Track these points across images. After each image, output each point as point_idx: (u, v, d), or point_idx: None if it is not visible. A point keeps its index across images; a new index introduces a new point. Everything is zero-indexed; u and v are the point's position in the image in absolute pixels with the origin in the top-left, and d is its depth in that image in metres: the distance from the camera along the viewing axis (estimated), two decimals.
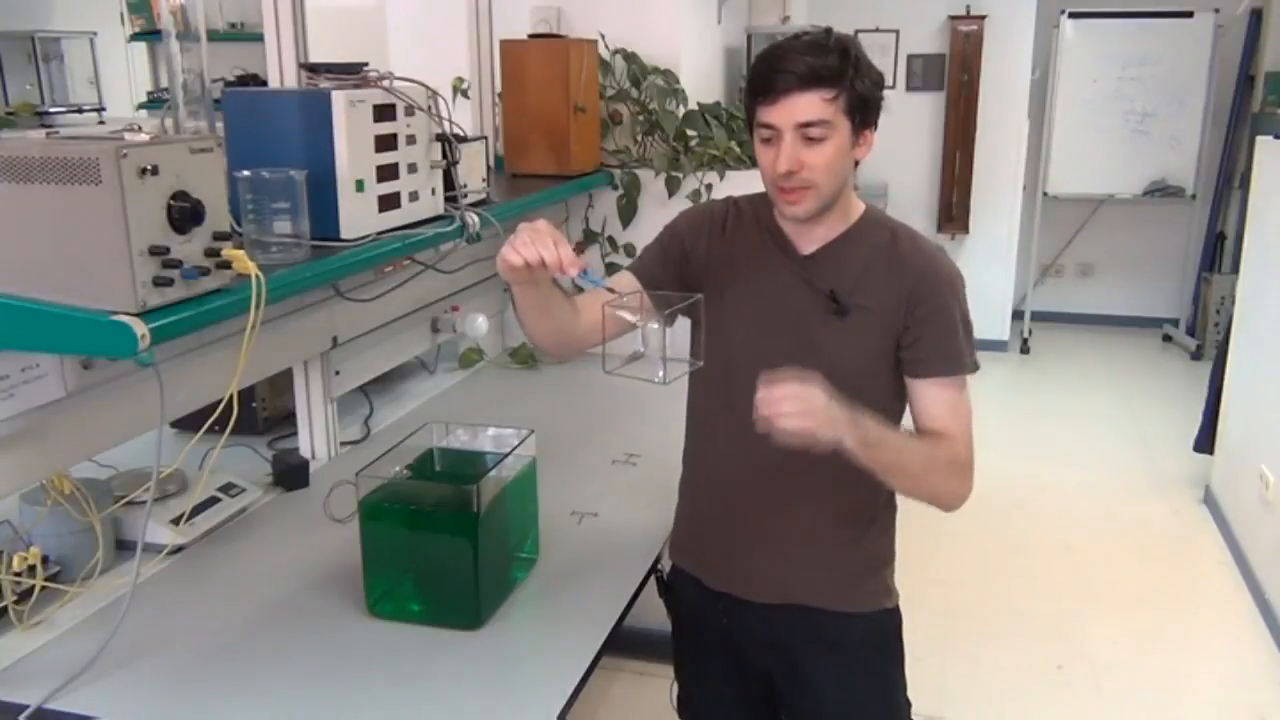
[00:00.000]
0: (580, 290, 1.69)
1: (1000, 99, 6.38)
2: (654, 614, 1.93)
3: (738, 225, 1.72)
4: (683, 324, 1.68)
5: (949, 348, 1.60)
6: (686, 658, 1.93)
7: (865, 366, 1.62)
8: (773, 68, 1.50)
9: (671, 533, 1.91)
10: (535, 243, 1.44)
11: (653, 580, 1.93)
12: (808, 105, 1.48)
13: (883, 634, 1.78)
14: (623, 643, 1.79)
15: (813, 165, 1.51)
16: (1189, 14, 6.62)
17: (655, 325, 1.56)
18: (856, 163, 1.60)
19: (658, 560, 1.95)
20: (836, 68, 1.48)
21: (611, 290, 1.59)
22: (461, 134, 2.28)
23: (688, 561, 1.86)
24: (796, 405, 1.41)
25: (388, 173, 2.00)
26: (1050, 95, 6.76)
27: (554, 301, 1.62)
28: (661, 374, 1.50)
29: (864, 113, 1.52)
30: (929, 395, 1.61)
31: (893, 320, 1.60)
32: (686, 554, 1.87)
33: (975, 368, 1.62)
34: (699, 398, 1.79)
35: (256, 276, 1.53)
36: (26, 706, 1.47)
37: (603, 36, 3.26)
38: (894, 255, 1.61)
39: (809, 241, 1.64)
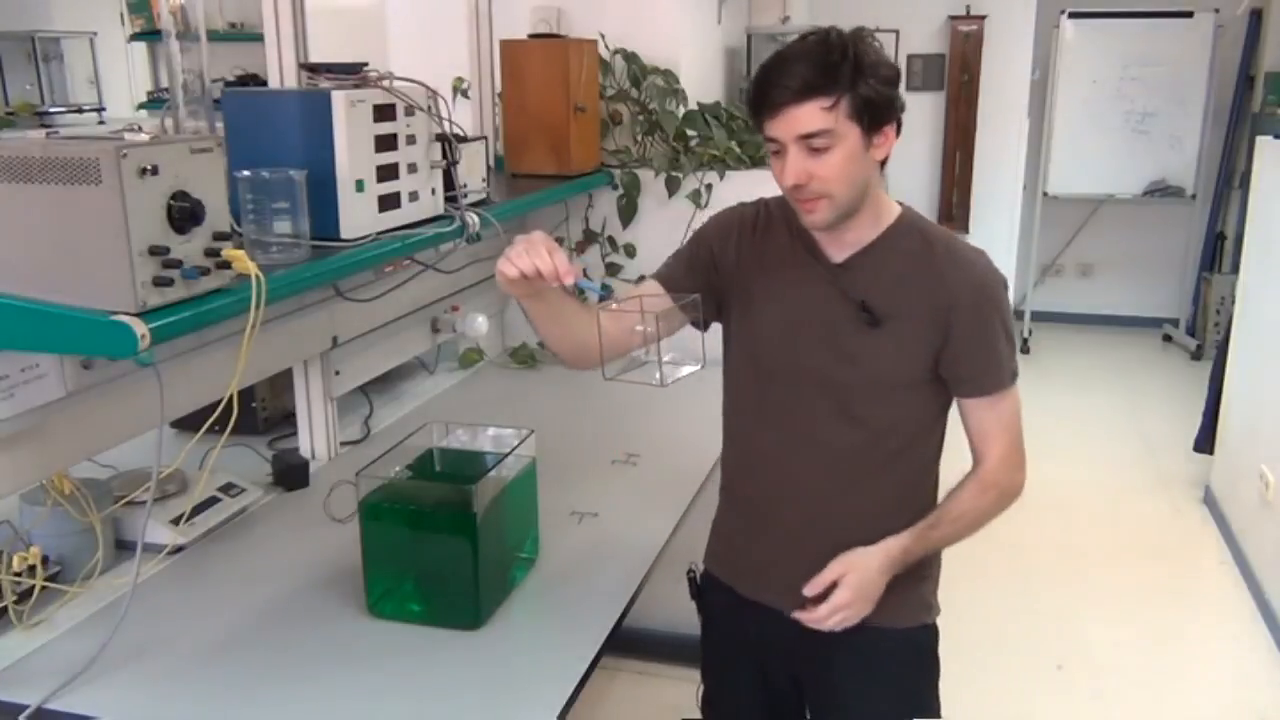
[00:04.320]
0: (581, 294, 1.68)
1: (1000, 99, 6.37)
2: (655, 614, 1.93)
3: (768, 229, 1.67)
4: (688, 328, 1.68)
5: (990, 363, 1.59)
6: (714, 661, 1.91)
7: (902, 378, 1.60)
8: (767, 81, 1.46)
9: (708, 539, 1.89)
10: (530, 253, 1.44)
11: (652, 580, 1.92)
12: (806, 117, 1.44)
13: (918, 650, 1.75)
14: (623, 643, 1.79)
15: (822, 176, 1.47)
16: (1189, 14, 6.63)
17: (690, 323, 1.62)
18: (884, 163, 1.54)
19: (655, 565, 1.95)
20: (832, 75, 1.43)
21: (606, 296, 1.59)
22: (461, 134, 2.28)
23: (721, 569, 1.84)
24: (852, 610, 1.56)
25: (388, 173, 2.00)
26: (1050, 95, 6.76)
27: (567, 312, 1.61)
28: (659, 377, 1.50)
29: (873, 113, 1.46)
30: (974, 414, 1.63)
31: (930, 334, 1.57)
32: (721, 562, 1.85)
33: (1015, 376, 1.62)
34: (733, 407, 1.76)
35: (257, 276, 1.52)
36: (26, 706, 1.46)
37: (603, 36, 3.25)
38: (930, 265, 1.57)
39: (840, 248, 1.60)
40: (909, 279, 1.58)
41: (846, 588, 1.53)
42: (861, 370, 1.58)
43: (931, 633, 1.76)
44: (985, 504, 1.63)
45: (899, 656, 1.73)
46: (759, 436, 1.70)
